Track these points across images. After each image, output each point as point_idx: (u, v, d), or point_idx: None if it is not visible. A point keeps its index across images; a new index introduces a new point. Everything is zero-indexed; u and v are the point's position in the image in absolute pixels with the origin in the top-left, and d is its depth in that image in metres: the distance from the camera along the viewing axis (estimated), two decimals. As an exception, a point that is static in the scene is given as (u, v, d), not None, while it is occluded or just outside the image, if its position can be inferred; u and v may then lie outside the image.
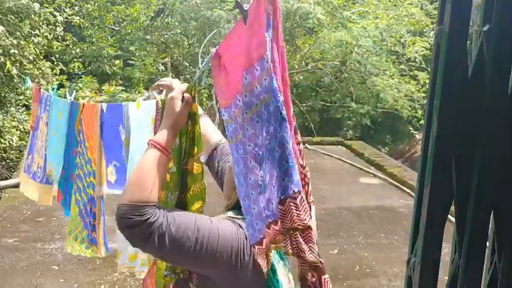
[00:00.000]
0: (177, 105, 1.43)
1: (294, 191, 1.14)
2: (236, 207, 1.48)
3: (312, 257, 1.19)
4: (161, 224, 1.27)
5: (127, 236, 1.30)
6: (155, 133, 1.58)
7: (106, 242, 2.48)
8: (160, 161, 1.36)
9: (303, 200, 1.14)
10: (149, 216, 1.27)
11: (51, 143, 2.84)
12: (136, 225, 1.26)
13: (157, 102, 1.84)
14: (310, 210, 1.19)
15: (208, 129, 1.86)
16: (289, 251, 1.18)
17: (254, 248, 1.28)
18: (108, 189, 2.33)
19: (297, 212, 1.14)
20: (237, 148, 1.32)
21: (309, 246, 1.18)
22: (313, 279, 1.27)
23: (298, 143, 1.21)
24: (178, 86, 1.50)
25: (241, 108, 1.26)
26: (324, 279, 1.27)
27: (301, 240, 1.18)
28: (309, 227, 1.16)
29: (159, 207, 1.32)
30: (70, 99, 2.61)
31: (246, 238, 1.37)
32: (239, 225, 1.40)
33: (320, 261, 1.21)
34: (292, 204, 1.14)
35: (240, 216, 1.44)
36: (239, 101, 1.28)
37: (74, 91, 2.81)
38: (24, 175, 3.17)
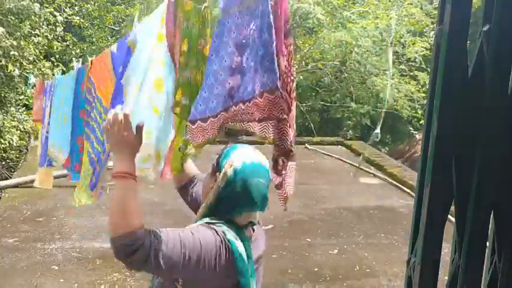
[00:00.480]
0: (119, 132, 1.44)
1: (270, 87, 1.31)
2: (210, 214, 1.56)
3: (283, 145, 1.36)
4: (152, 244, 1.35)
5: (127, 263, 1.36)
6: (168, 36, 1.69)
7: (99, 188, 2.46)
8: (131, 187, 1.42)
9: (279, 97, 1.31)
10: (142, 240, 1.33)
11: (54, 122, 2.87)
12: (134, 252, 1.32)
13: None
14: (291, 104, 1.38)
15: (191, 164, 1.98)
16: (270, 136, 1.37)
17: (191, 124, 1.47)
18: None
19: (272, 105, 1.32)
20: (221, 26, 1.46)
21: (282, 135, 1.36)
22: (283, 164, 1.41)
23: (290, 45, 1.39)
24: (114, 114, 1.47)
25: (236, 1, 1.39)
26: (290, 165, 1.41)
27: (276, 129, 1.36)
28: (284, 119, 1.34)
29: (145, 230, 1.38)
30: (77, 67, 2.62)
31: (222, 242, 1.46)
32: (215, 230, 1.47)
33: (291, 149, 1.38)
34: (268, 98, 1.32)
35: (214, 221, 1.52)
36: None
37: (81, 59, 2.82)
38: (39, 169, 3.21)
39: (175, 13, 1.74)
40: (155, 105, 1.90)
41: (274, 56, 1.29)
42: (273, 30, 1.28)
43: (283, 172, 1.41)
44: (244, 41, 1.38)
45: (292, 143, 1.38)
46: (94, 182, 2.44)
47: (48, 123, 2.96)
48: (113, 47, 2.27)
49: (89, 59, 2.49)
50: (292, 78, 1.38)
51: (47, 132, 2.98)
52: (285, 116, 1.33)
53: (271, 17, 1.28)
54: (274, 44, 1.29)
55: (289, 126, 1.37)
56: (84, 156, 2.56)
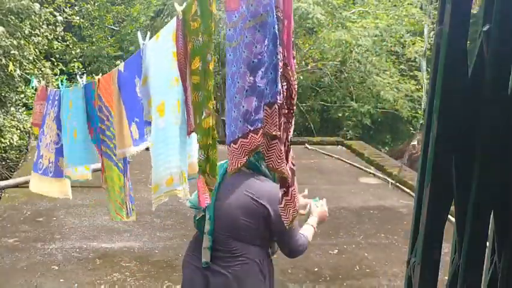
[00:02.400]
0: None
1: (270, 100, 1.27)
2: None
3: (271, 165, 1.33)
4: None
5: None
6: (178, 56, 1.70)
7: (130, 206, 2.48)
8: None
9: (276, 111, 1.27)
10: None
11: (64, 134, 2.88)
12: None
13: (177, 16, 1.78)
14: (291, 118, 1.35)
15: None
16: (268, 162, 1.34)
17: (229, 146, 1.44)
18: (133, 147, 2.30)
19: (267, 119, 1.28)
20: (234, 51, 1.42)
21: (271, 155, 1.32)
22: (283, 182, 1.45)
23: (293, 58, 1.35)
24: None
25: (244, 15, 1.33)
26: (292, 189, 1.43)
27: (266, 147, 1.32)
28: (276, 137, 1.30)
29: None
30: (82, 83, 2.63)
31: None
32: None
33: (281, 172, 1.36)
34: (266, 112, 1.28)
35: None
36: (242, 7, 1.35)
37: (84, 75, 2.85)
38: (34, 174, 3.22)
39: (184, 31, 1.72)
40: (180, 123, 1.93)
41: (279, 67, 1.25)
42: (278, 41, 1.25)
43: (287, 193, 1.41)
44: (255, 60, 1.32)
45: (278, 166, 1.31)
46: (124, 200, 2.48)
47: (57, 135, 2.97)
48: (121, 67, 2.26)
49: (96, 77, 2.50)
50: (294, 93, 1.34)
51: (56, 144, 2.98)
52: (278, 133, 1.27)
53: (277, 27, 1.25)
54: (280, 55, 1.26)
55: (285, 146, 1.31)
56: (109, 173, 2.56)
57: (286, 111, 1.32)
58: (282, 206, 1.43)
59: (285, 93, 1.30)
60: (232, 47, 1.43)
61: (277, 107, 1.26)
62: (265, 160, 1.33)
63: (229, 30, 1.45)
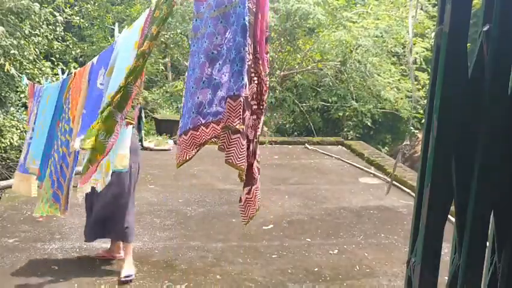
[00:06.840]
0: None
1: (235, 93, 1.23)
2: None
3: (230, 160, 1.29)
4: None
5: None
6: (141, 38, 1.70)
7: (68, 201, 2.47)
8: None
9: (241, 105, 1.23)
10: None
11: (35, 130, 2.90)
12: None
13: (150, 7, 1.79)
14: (262, 114, 1.32)
15: None
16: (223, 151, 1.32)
17: (180, 137, 1.44)
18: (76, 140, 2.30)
19: (230, 112, 1.24)
20: (197, 42, 1.41)
21: (231, 149, 1.27)
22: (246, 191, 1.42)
23: (267, 53, 1.32)
24: None
25: (210, 5, 1.32)
26: (253, 189, 1.40)
27: (227, 141, 1.27)
28: (238, 132, 1.26)
29: None
30: (62, 77, 2.65)
31: None
32: None
33: (239, 168, 1.31)
34: (230, 104, 1.24)
35: None
36: None
37: (67, 71, 2.89)
38: (16, 173, 3.25)
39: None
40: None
41: (246, 60, 1.22)
42: (247, 33, 1.21)
43: (247, 194, 1.38)
44: (215, 51, 1.30)
45: (239, 161, 1.27)
46: (56, 194, 2.46)
47: (33, 130, 3.00)
48: (95, 59, 2.28)
49: (74, 71, 2.53)
50: (265, 88, 1.33)
51: (30, 138, 3.01)
52: (242, 128, 1.24)
53: (247, 18, 1.21)
54: (248, 47, 1.23)
55: (253, 143, 1.28)
56: (48, 169, 2.58)
57: (256, 106, 1.30)
58: (242, 204, 1.40)
59: (255, 88, 1.27)
60: (197, 38, 1.41)
61: (242, 100, 1.23)
62: (225, 155, 1.29)
63: (196, 20, 1.43)
